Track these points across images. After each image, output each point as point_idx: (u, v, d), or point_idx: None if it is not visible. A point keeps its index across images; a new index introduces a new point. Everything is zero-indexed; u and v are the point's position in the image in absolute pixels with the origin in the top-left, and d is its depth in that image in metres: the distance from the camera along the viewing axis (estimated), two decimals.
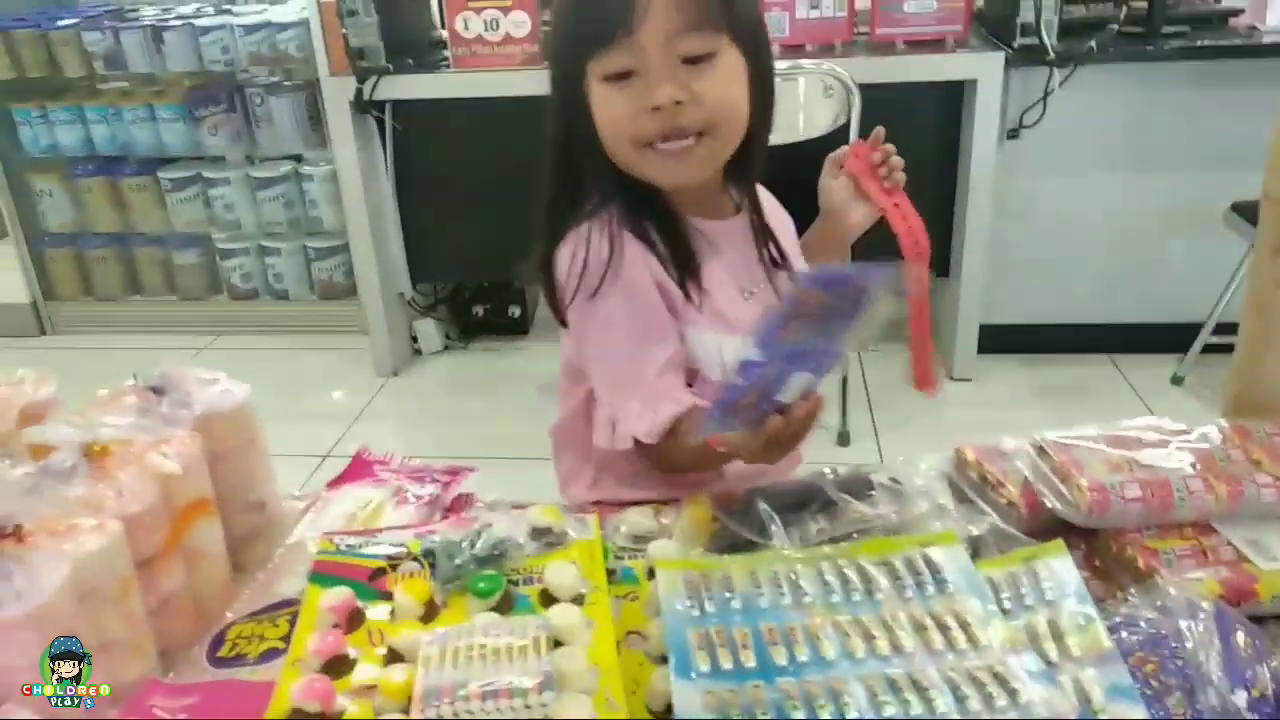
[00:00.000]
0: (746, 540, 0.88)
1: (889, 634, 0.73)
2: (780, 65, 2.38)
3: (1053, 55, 2.62)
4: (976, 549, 0.85)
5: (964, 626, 0.73)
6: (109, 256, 3.66)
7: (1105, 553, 0.86)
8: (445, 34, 2.80)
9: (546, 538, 0.85)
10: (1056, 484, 0.86)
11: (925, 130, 2.82)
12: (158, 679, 0.77)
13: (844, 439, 2.66)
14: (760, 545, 0.87)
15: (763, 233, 1.11)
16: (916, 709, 0.66)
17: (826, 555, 0.82)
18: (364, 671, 0.73)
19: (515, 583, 0.81)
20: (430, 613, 0.79)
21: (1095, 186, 2.88)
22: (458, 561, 0.81)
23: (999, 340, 2.98)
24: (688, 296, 1.02)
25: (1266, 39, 2.70)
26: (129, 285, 3.70)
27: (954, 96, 2.75)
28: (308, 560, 0.89)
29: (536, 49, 2.73)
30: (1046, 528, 0.87)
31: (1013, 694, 0.66)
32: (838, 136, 2.41)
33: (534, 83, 3.22)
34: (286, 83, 3.35)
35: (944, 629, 0.73)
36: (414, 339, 3.33)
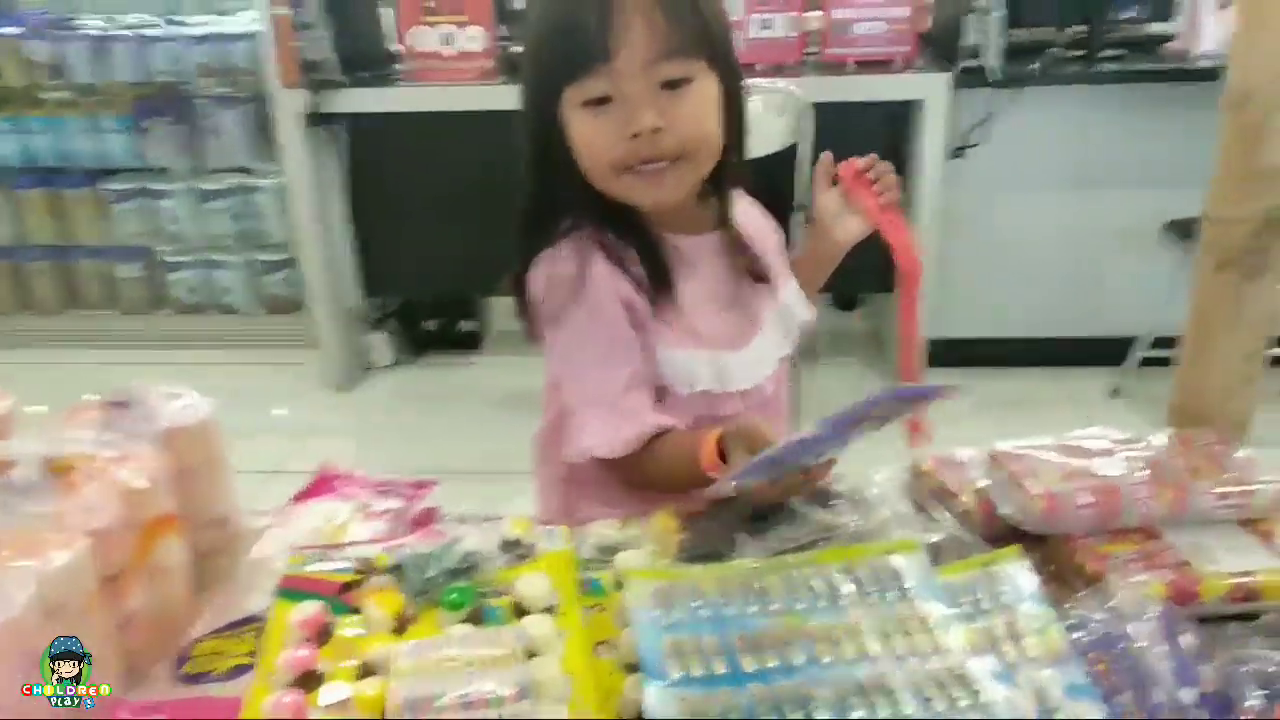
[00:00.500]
0: (713, 551, 0.89)
1: (854, 640, 0.75)
2: None
3: (997, 77, 2.70)
4: (935, 556, 0.88)
5: (926, 631, 0.75)
6: (47, 269, 3.58)
7: (1058, 558, 0.89)
8: (399, 48, 2.80)
9: (517, 550, 0.86)
10: (1011, 492, 0.89)
11: (874, 148, 2.84)
12: (122, 697, 0.76)
13: None
14: (726, 555, 0.88)
15: (739, 248, 1.11)
16: (883, 711, 0.68)
17: (791, 564, 0.84)
18: (336, 685, 0.73)
19: (486, 595, 0.81)
20: (402, 626, 0.79)
21: (1037, 204, 2.97)
22: (428, 574, 0.81)
23: (944, 354, 3.04)
24: (660, 315, 1.03)
25: (1198, 63, 2.81)
26: (68, 299, 3.62)
27: (901, 116, 2.82)
28: (271, 576, 0.89)
29: (492, 64, 2.75)
30: (1001, 535, 0.90)
31: (975, 695, 0.68)
32: (788, 154, 2.45)
33: (488, 98, 3.21)
34: (235, 95, 3.32)
35: (907, 634, 0.75)
36: (364, 354, 3.31)
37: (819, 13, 2.77)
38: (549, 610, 0.79)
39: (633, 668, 0.75)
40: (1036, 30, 2.91)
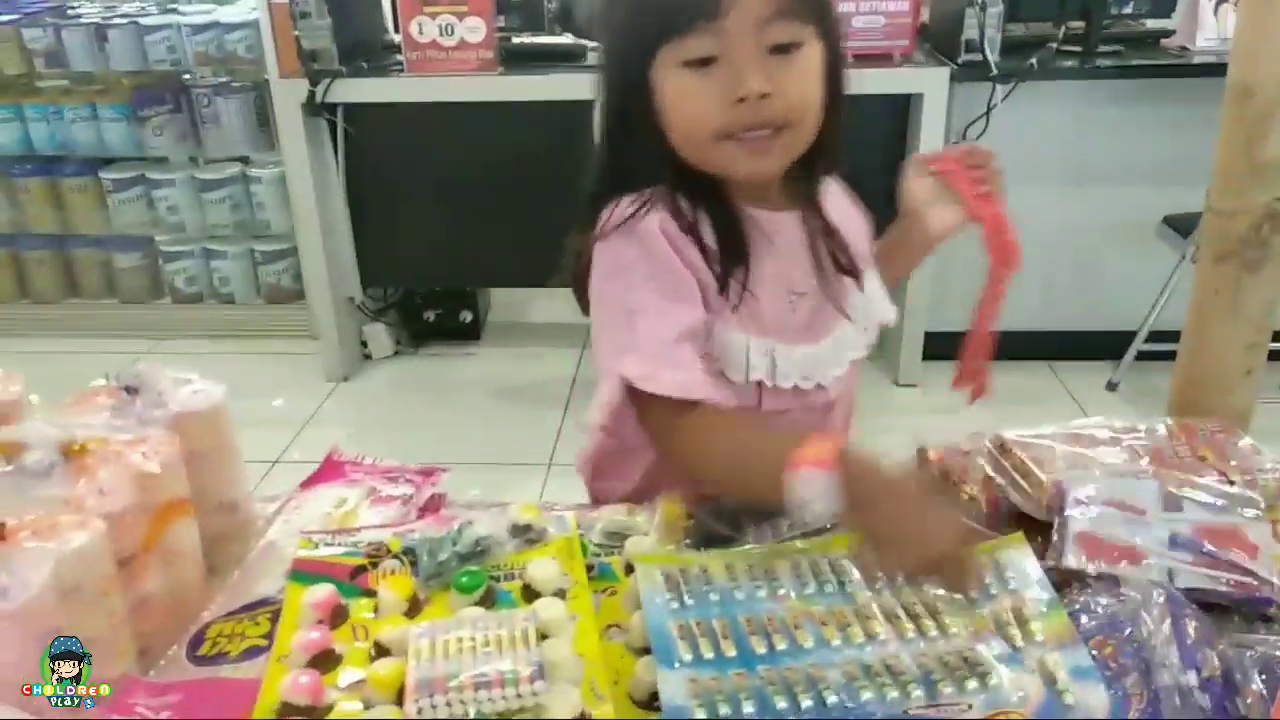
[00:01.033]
0: (721, 536, 0.90)
1: (863, 623, 0.76)
2: None
3: (995, 71, 2.71)
4: None
5: (934, 615, 0.76)
6: (46, 259, 3.57)
7: None
8: (399, 38, 2.80)
9: (527, 534, 0.87)
10: (1018, 479, 0.90)
11: (873, 142, 2.88)
12: (138, 677, 0.77)
13: None
14: (734, 541, 0.89)
15: (824, 233, 1.01)
16: (892, 693, 0.69)
17: (799, 549, 0.85)
18: (351, 666, 0.74)
19: (497, 578, 0.82)
20: (414, 609, 0.80)
21: (1035, 198, 2.97)
22: (440, 558, 0.82)
23: (943, 347, 3.05)
24: (727, 292, 0.93)
25: (1196, 59, 2.82)
26: (67, 288, 3.62)
27: (900, 109, 2.83)
28: (283, 560, 0.90)
29: (491, 55, 2.74)
30: (1006, 522, 0.91)
31: (982, 677, 0.69)
32: None
33: (488, 88, 3.20)
34: (234, 84, 3.31)
35: (915, 617, 0.76)
36: (364, 344, 3.31)
37: None
38: (559, 594, 0.80)
39: (643, 651, 0.76)
40: (1034, 25, 2.92)
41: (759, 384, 0.97)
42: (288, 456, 2.73)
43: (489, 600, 0.80)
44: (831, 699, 0.69)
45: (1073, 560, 0.81)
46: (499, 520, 0.88)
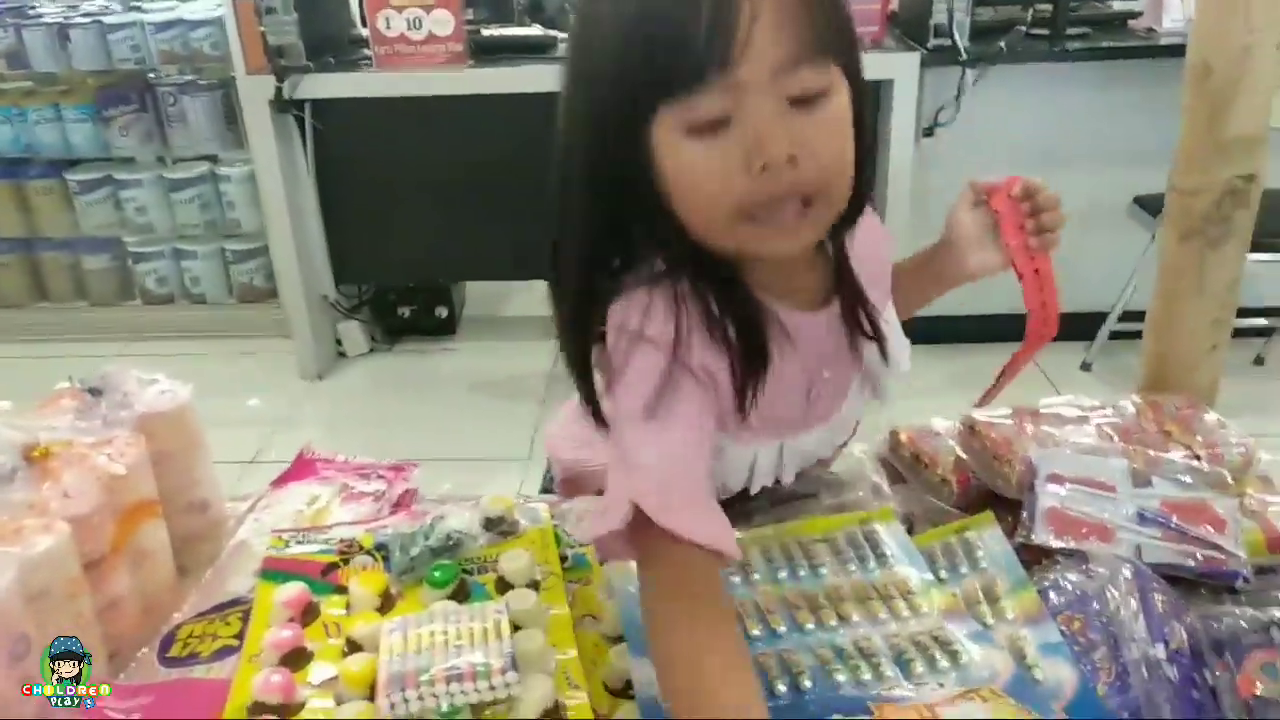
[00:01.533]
0: None
1: (835, 606, 0.76)
2: None
3: (965, 56, 2.72)
4: (911, 523, 0.90)
5: (905, 595, 0.76)
6: (13, 262, 3.53)
7: None
8: (366, 32, 2.77)
9: (499, 527, 0.87)
10: (988, 460, 0.91)
11: None
12: (109, 680, 0.76)
13: None
14: None
15: (850, 316, 0.84)
16: (865, 674, 0.69)
17: (771, 535, 0.85)
18: (323, 663, 0.74)
19: (469, 572, 0.82)
20: (386, 604, 0.80)
21: None
22: (413, 553, 0.82)
23: (918, 331, 3.06)
24: (742, 405, 0.77)
25: (1163, 40, 2.84)
26: (36, 292, 3.57)
27: (870, 96, 2.83)
28: (254, 559, 0.89)
29: (460, 48, 2.72)
30: (975, 502, 0.91)
31: (953, 655, 0.70)
32: None
33: (457, 82, 3.17)
34: (200, 81, 3.27)
35: (886, 599, 0.77)
36: (339, 342, 3.29)
37: None
38: (532, 585, 0.80)
39: (618, 639, 0.76)
40: (1002, 8, 2.93)
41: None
42: (264, 456, 2.71)
43: (462, 594, 0.80)
44: (806, 682, 0.69)
45: (1042, 537, 0.81)
46: (471, 514, 0.87)
